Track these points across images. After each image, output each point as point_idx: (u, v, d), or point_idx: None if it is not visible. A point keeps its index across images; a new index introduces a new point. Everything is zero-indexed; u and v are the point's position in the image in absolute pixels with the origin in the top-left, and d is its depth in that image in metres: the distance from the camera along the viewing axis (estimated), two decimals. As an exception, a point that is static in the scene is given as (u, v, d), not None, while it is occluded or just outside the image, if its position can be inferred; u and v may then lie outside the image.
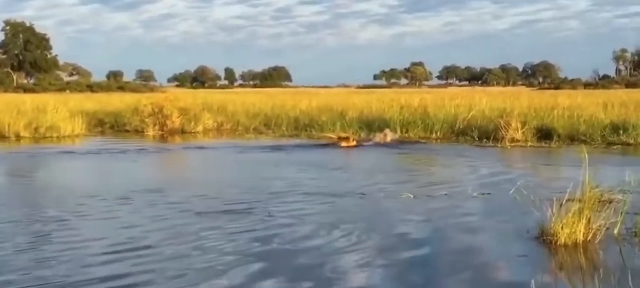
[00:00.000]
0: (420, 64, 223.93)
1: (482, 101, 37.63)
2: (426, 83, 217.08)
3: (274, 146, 26.76)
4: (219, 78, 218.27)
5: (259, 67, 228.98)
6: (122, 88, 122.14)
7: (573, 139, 26.79)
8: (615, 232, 10.15)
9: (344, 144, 26.22)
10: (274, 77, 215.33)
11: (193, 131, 34.43)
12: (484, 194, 14.30)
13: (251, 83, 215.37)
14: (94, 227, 11.33)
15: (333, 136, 27.54)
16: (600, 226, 9.94)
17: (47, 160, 23.06)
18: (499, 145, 26.18)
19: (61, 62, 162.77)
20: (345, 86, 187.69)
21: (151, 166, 21.76)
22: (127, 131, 35.25)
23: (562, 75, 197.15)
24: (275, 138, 30.87)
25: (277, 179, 17.00)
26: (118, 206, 13.06)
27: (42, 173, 20.19)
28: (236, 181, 16.98)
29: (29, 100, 45.06)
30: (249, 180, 17.06)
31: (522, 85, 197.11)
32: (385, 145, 26.51)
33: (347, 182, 16.52)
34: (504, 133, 27.31)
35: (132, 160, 22.56)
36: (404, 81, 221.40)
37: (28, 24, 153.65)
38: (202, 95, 57.39)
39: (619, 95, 55.34)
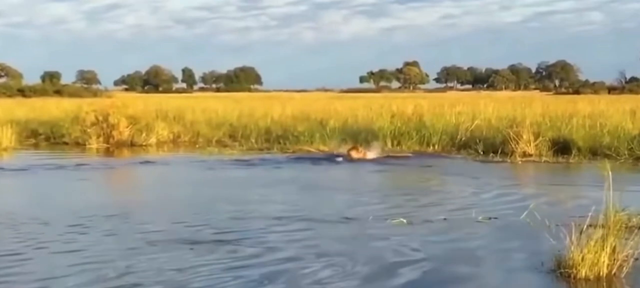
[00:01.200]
0: (415, 64, 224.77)
1: (488, 108, 37.80)
2: (421, 86, 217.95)
3: (247, 160, 26.77)
4: (175, 80, 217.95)
5: (223, 67, 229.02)
6: (60, 92, 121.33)
7: (595, 152, 26.94)
8: (645, 262, 10.21)
9: (355, 155, 26.51)
10: (240, 80, 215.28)
11: (144, 143, 34.31)
12: (489, 218, 14.33)
13: (213, 86, 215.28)
14: (51, 262, 11.22)
15: (312, 149, 27.55)
16: (627, 256, 9.97)
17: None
18: (508, 160, 26.29)
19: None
20: (326, 90, 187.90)
21: (103, 185, 21.65)
22: (66, 143, 35.03)
23: (581, 78, 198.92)
24: (243, 151, 30.79)
25: (260, 201, 16.98)
26: (73, 235, 12.96)
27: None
28: (210, 204, 16.94)
29: (-54, 107, 44.81)
30: (219, 202, 17.02)
31: (535, 89, 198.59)
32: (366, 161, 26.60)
33: (330, 204, 16.51)
34: (513, 146, 27.42)
35: (78, 178, 22.44)
36: (395, 84, 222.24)
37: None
38: (155, 101, 57.23)
39: (649, 100, 55.81)
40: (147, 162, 27.15)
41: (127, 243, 12.23)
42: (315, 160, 26.65)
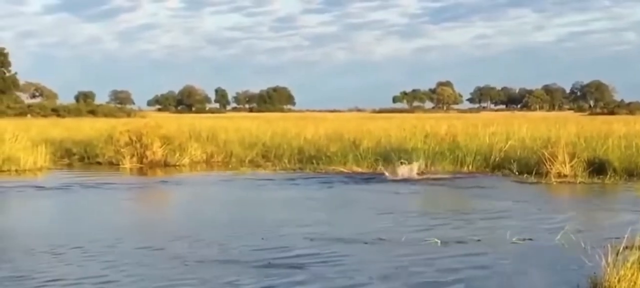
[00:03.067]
0: (448, 84, 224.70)
1: (522, 128, 37.68)
2: (455, 106, 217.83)
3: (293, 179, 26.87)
4: (208, 100, 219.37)
5: (256, 87, 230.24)
6: (94, 112, 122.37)
7: (631, 173, 26.77)
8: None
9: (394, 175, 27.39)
10: (273, 100, 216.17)
11: (177, 163, 34.49)
12: (524, 240, 14.27)
13: (246, 106, 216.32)
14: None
15: (345, 169, 27.63)
16: (664, 278, 9.90)
17: (5, 197, 23.03)
18: (543, 181, 26.17)
19: (21, 81, 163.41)
20: (359, 110, 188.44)
21: (144, 205, 21.80)
22: (99, 163, 35.29)
23: (617, 98, 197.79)
24: (275, 171, 30.85)
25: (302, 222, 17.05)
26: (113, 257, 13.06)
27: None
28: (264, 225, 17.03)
29: (-18, 127, 45.17)
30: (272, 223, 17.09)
31: (569, 109, 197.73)
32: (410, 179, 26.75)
33: (361, 224, 16.53)
34: (548, 166, 27.31)
35: (119, 197, 22.61)
36: (428, 104, 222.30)
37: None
38: (188, 121, 57.58)
39: (686, 121, 55.33)
40: (208, 182, 27.23)
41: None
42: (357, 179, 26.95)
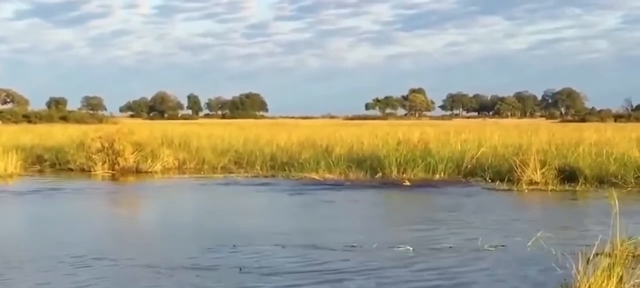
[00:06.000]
0: (420, 91, 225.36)
1: (494, 135, 37.85)
2: (427, 113, 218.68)
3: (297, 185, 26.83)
4: (180, 107, 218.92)
5: (229, 93, 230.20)
6: (65, 118, 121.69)
7: (601, 181, 26.89)
8: (653, 292, 10.17)
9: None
10: (246, 106, 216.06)
11: (149, 170, 34.33)
12: (496, 247, 14.30)
13: (219, 113, 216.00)
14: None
15: (317, 176, 27.59)
16: (634, 285, 9.94)
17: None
18: (514, 188, 26.24)
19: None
20: (331, 117, 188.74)
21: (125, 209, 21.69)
22: (71, 169, 35.08)
23: (588, 105, 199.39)
24: (247, 178, 30.80)
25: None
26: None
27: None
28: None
29: (-48, 133, 44.86)
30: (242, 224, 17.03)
31: (541, 116, 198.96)
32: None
33: (333, 231, 16.52)
34: (519, 173, 27.42)
35: (89, 204, 22.49)
36: (401, 111, 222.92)
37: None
38: (160, 127, 57.40)
39: (656, 128, 55.76)
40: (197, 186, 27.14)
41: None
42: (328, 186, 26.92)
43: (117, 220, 20.52)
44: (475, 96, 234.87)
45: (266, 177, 31.40)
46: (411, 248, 14.01)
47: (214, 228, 17.41)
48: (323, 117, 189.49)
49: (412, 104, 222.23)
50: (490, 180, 28.21)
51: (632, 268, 10.03)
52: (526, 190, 25.83)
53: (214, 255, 13.49)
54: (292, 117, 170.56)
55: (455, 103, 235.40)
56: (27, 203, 22.90)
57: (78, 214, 20.61)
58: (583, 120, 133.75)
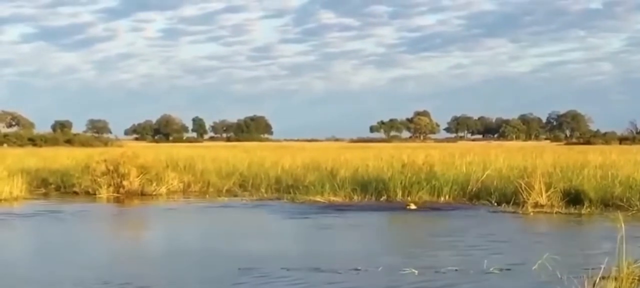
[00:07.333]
0: (425, 114, 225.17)
1: (499, 158, 37.76)
2: (432, 136, 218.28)
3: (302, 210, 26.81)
4: (185, 129, 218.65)
5: (233, 116, 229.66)
6: (70, 141, 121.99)
7: (607, 203, 26.82)
8: (659, 315, 10.14)
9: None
10: (251, 129, 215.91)
11: (154, 193, 34.33)
12: (501, 270, 14.27)
13: (224, 135, 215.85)
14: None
15: (322, 199, 27.59)
16: (640, 309, 9.92)
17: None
18: (519, 211, 26.20)
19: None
20: (336, 139, 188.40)
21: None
22: (76, 193, 35.05)
23: (592, 128, 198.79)
24: (252, 201, 30.78)
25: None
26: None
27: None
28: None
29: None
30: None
31: (546, 139, 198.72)
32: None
33: (338, 253, 16.49)
34: (525, 196, 27.34)
35: (94, 227, 22.49)
36: (405, 134, 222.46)
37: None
38: (165, 150, 57.43)
39: (661, 151, 55.64)
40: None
41: None
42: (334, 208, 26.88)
43: (122, 244, 20.50)
44: (480, 118, 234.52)
45: (271, 199, 31.37)
46: (416, 271, 13.97)
47: (219, 252, 17.40)
48: (328, 139, 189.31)
49: (417, 127, 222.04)
50: (495, 203, 28.15)
51: (638, 292, 10.00)
52: (531, 213, 25.78)
53: (219, 278, 13.46)
54: (297, 140, 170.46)
55: (460, 125, 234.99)
56: (32, 227, 22.91)
57: (83, 238, 20.63)
58: (588, 142, 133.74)
